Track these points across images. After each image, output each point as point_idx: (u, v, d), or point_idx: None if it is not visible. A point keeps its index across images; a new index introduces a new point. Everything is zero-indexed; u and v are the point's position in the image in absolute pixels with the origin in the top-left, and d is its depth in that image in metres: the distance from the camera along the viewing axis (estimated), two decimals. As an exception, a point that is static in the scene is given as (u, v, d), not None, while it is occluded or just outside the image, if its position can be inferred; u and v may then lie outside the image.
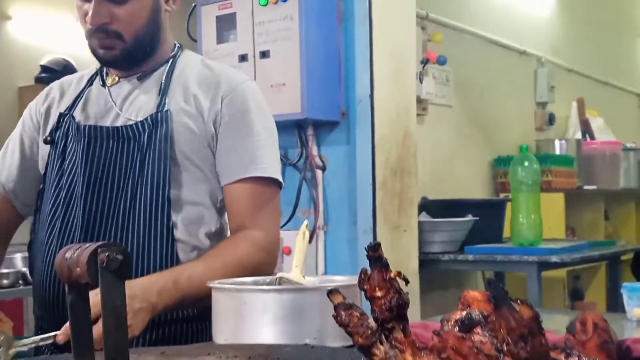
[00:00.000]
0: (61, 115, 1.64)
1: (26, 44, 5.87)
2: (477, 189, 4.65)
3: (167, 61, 1.65)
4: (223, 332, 1.10)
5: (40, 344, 1.22)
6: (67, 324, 1.25)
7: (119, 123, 1.59)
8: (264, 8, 3.07)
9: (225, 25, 3.17)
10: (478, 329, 0.72)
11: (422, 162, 3.55)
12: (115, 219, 1.52)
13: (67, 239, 1.54)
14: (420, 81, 3.91)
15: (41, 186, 1.64)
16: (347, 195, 3.21)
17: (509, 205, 3.72)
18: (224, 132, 1.57)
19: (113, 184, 1.55)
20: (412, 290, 3.21)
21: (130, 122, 1.57)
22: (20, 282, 3.37)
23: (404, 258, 3.23)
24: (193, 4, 3.26)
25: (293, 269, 1.24)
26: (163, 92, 1.59)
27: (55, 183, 1.59)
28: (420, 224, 3.42)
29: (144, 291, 1.36)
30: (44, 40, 5.90)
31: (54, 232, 1.57)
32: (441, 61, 4.04)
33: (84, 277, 0.74)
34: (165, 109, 1.56)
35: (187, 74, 1.63)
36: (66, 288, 0.82)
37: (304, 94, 3.02)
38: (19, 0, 5.84)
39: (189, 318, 1.55)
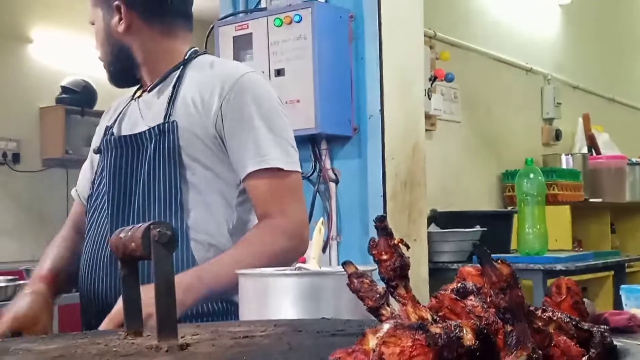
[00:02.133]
0: (107, 128, 1.80)
1: (47, 65, 6.06)
2: (485, 203, 4.77)
3: (178, 67, 1.76)
4: (250, 313, 1.24)
5: None
6: (106, 319, 1.38)
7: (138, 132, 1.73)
8: (279, 28, 3.23)
9: (242, 45, 3.33)
10: (471, 297, 0.86)
11: (431, 176, 3.68)
12: (133, 223, 1.64)
13: (97, 241, 1.69)
14: (429, 97, 4.06)
15: (90, 192, 1.79)
16: (359, 207, 3.34)
17: (516, 217, 3.84)
18: (228, 131, 1.66)
19: (126, 191, 1.68)
20: (423, 298, 3.32)
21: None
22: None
23: (414, 267, 3.32)
24: (211, 25, 3.42)
25: (310, 260, 1.37)
26: (171, 100, 1.71)
27: (96, 188, 1.74)
28: (429, 234, 3.55)
29: None
30: (65, 62, 6.10)
31: (90, 234, 1.72)
32: (449, 78, 4.18)
33: (138, 251, 0.88)
34: (172, 119, 1.67)
35: (193, 78, 1.73)
36: (119, 264, 0.97)
37: (317, 110, 3.17)
38: (40, 24, 6.04)
39: (215, 313, 1.68)
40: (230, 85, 1.67)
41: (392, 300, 0.87)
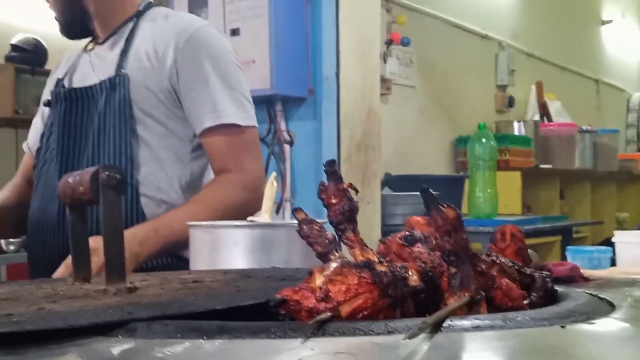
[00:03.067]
0: (57, 80, 1.77)
1: (-4, 22, 5.89)
2: (438, 168, 4.82)
3: (131, 20, 1.72)
4: (200, 264, 1.24)
5: None
6: (62, 265, 1.36)
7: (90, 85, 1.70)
8: (235, -13, 3.20)
9: (197, 3, 3.28)
10: (419, 244, 0.87)
11: (385, 140, 3.70)
12: None
13: (46, 195, 1.66)
14: (384, 61, 4.07)
15: (39, 145, 1.76)
16: (313, 169, 3.35)
17: (467, 182, 3.89)
18: (183, 86, 1.63)
19: (75, 144, 1.65)
20: (375, 260, 3.37)
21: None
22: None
23: (367, 229, 3.38)
24: (165, -17, 3.37)
25: (262, 214, 1.37)
26: (123, 53, 1.67)
27: (45, 141, 1.71)
28: (383, 197, 3.58)
29: (126, 243, 1.47)
30: (15, 20, 5.93)
31: (38, 187, 1.70)
32: (405, 42, 4.19)
33: (86, 194, 0.87)
34: (123, 72, 1.63)
35: (147, 31, 1.69)
36: (67, 211, 0.96)
37: (273, 70, 3.15)
38: (-12, -21, 5.86)
39: (164, 268, 1.67)
40: (186, 38, 1.64)
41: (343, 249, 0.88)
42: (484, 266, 0.78)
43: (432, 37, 4.77)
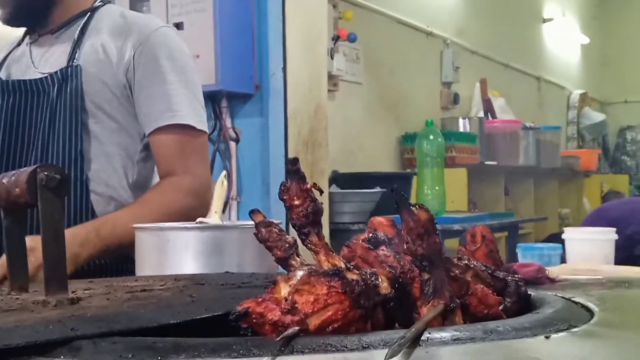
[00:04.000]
0: None
1: None
2: (385, 165, 4.80)
3: (85, 14, 1.66)
4: (147, 269, 1.16)
5: None
6: None
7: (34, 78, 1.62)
8: (178, -20, 3.10)
9: (139, -4, 3.19)
10: (383, 247, 0.82)
11: (332, 137, 3.65)
12: None
13: None
14: (332, 57, 4.02)
15: None
16: (260, 167, 3.28)
17: (415, 179, 3.87)
18: (139, 82, 1.59)
19: (24, 137, 1.59)
20: (323, 258, 3.32)
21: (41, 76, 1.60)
22: None
23: (315, 227, 3.32)
24: (106, -26, 3.25)
25: (212, 214, 1.30)
26: (76, 45, 1.61)
27: None
28: (330, 195, 3.53)
29: (67, 243, 1.40)
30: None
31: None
32: (351, 38, 4.15)
33: (23, 197, 0.79)
34: (76, 63, 1.58)
35: (102, 26, 1.64)
36: (1, 214, 0.88)
37: (218, 66, 3.08)
38: None
39: (111, 271, 1.59)
40: (145, 36, 1.60)
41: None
42: (457, 271, 0.73)
43: (378, 33, 4.74)
